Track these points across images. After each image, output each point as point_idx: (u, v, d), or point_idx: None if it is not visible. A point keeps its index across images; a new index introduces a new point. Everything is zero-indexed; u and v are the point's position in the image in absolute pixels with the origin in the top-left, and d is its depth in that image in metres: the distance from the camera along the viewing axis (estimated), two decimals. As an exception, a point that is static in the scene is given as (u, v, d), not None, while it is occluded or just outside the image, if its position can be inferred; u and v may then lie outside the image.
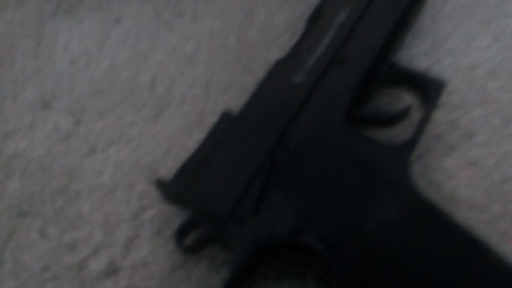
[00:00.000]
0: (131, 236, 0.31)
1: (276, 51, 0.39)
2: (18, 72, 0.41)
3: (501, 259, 0.24)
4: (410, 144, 0.29)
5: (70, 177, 0.34)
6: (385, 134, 0.33)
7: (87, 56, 0.41)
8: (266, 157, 0.28)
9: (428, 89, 0.31)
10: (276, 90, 0.31)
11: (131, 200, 0.33)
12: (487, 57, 0.37)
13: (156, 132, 0.36)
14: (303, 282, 0.29)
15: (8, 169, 0.35)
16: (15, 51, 0.42)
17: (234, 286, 0.26)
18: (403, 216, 0.26)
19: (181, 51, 0.40)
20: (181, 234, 0.28)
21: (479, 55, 0.37)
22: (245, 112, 0.31)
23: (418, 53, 0.37)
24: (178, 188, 0.29)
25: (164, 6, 0.43)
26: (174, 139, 0.36)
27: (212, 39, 0.41)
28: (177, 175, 0.29)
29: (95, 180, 0.34)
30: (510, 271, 0.24)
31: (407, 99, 0.34)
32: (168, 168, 0.34)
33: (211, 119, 0.35)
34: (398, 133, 0.33)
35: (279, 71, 0.32)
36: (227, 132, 0.30)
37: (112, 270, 0.30)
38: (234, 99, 0.36)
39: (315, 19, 0.34)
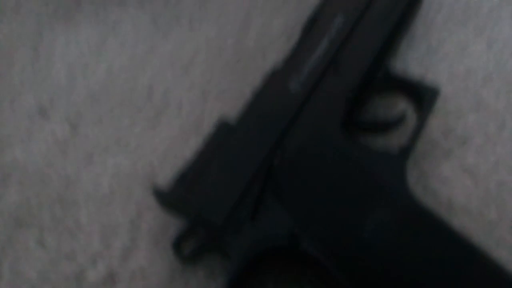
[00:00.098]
0: (129, 244, 0.31)
1: (273, 57, 0.39)
2: (15, 79, 0.41)
3: (497, 265, 0.24)
4: (406, 151, 0.29)
5: (68, 186, 0.34)
6: (381, 140, 0.33)
7: (84, 63, 0.41)
8: (263, 164, 0.29)
9: (422, 96, 0.31)
10: (272, 98, 0.31)
11: (128, 208, 0.33)
12: (481, 63, 0.37)
13: (153, 139, 0.36)
14: (300, 288, 0.29)
15: (5, 178, 0.35)
16: (12, 58, 0.42)
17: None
18: (400, 223, 0.26)
19: (178, 57, 0.40)
20: (178, 243, 0.29)
21: (473, 61, 0.37)
22: (242, 120, 0.31)
23: (413, 59, 0.38)
24: (175, 196, 0.29)
25: (161, 13, 0.44)
26: (171, 146, 0.36)
27: (209, 45, 0.41)
28: (174, 183, 0.29)
29: (93, 189, 0.34)
30: (507, 278, 0.24)
31: (402, 105, 0.34)
32: (165, 174, 0.34)
33: (208, 126, 0.35)
34: (394, 139, 0.33)
35: (275, 78, 0.32)
36: (223, 139, 0.30)
37: (110, 279, 0.30)
38: (231, 105, 0.36)
39: (311, 26, 0.34)
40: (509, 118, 0.34)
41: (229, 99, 0.37)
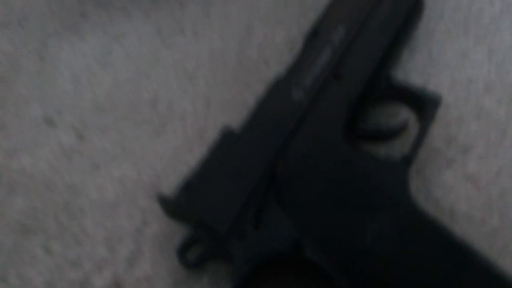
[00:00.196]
0: (134, 251, 0.32)
1: (275, 67, 0.39)
2: (22, 89, 0.41)
3: (501, 273, 0.24)
4: (408, 159, 0.29)
5: (74, 193, 0.35)
6: (383, 149, 0.34)
7: (89, 73, 0.42)
8: (266, 172, 0.29)
9: (424, 105, 0.31)
10: (276, 106, 0.31)
11: (133, 216, 0.33)
12: (483, 72, 0.37)
13: (158, 147, 0.37)
14: (304, 296, 0.29)
15: (12, 185, 0.36)
16: (18, 68, 0.43)
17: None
18: (402, 231, 0.26)
19: (182, 68, 0.41)
20: (183, 250, 0.29)
21: (475, 70, 0.37)
22: (246, 128, 0.31)
23: (415, 68, 0.38)
24: (180, 204, 0.29)
25: (165, 24, 0.44)
26: (176, 155, 0.36)
27: (212, 56, 0.41)
28: (179, 191, 0.29)
29: (98, 196, 0.34)
30: (510, 285, 0.24)
31: (404, 114, 0.35)
32: (170, 183, 0.34)
33: (212, 135, 0.36)
34: (396, 148, 0.34)
35: (278, 87, 0.32)
36: (227, 148, 0.30)
37: (115, 286, 0.30)
38: (234, 114, 0.37)
39: (313, 36, 0.35)
40: (510, 126, 0.34)
41: (232, 108, 0.38)
